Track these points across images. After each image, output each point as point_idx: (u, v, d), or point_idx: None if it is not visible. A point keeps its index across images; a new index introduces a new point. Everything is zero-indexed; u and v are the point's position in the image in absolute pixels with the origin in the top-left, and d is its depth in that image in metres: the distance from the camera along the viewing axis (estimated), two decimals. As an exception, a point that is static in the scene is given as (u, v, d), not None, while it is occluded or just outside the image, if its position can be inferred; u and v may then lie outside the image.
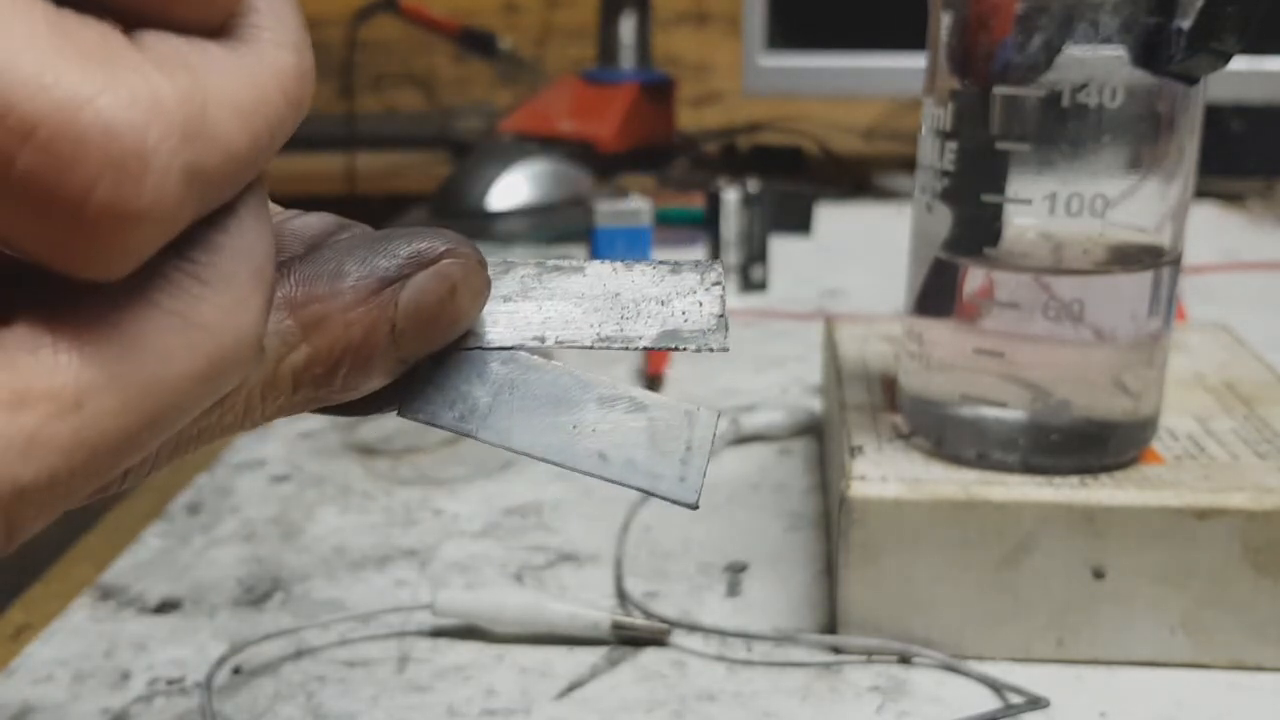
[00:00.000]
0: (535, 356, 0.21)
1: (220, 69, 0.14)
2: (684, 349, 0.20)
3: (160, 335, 0.14)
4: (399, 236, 0.19)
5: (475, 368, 0.20)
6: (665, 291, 0.21)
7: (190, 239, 0.15)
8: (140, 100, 0.13)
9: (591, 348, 0.20)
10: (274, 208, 0.20)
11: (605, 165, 1.15)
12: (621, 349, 0.20)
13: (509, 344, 0.20)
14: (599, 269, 0.21)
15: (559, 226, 0.95)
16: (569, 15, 1.73)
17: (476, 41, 1.34)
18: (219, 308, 0.15)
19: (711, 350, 0.21)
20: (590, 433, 0.20)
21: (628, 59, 1.25)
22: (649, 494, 0.20)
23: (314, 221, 0.20)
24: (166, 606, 0.41)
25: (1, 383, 0.13)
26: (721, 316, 0.21)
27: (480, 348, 0.20)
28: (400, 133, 1.56)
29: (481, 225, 0.97)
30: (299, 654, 0.38)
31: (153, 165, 0.13)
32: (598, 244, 0.73)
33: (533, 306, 0.21)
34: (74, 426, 0.13)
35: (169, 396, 0.14)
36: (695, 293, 0.21)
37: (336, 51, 1.44)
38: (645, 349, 0.21)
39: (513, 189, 1.00)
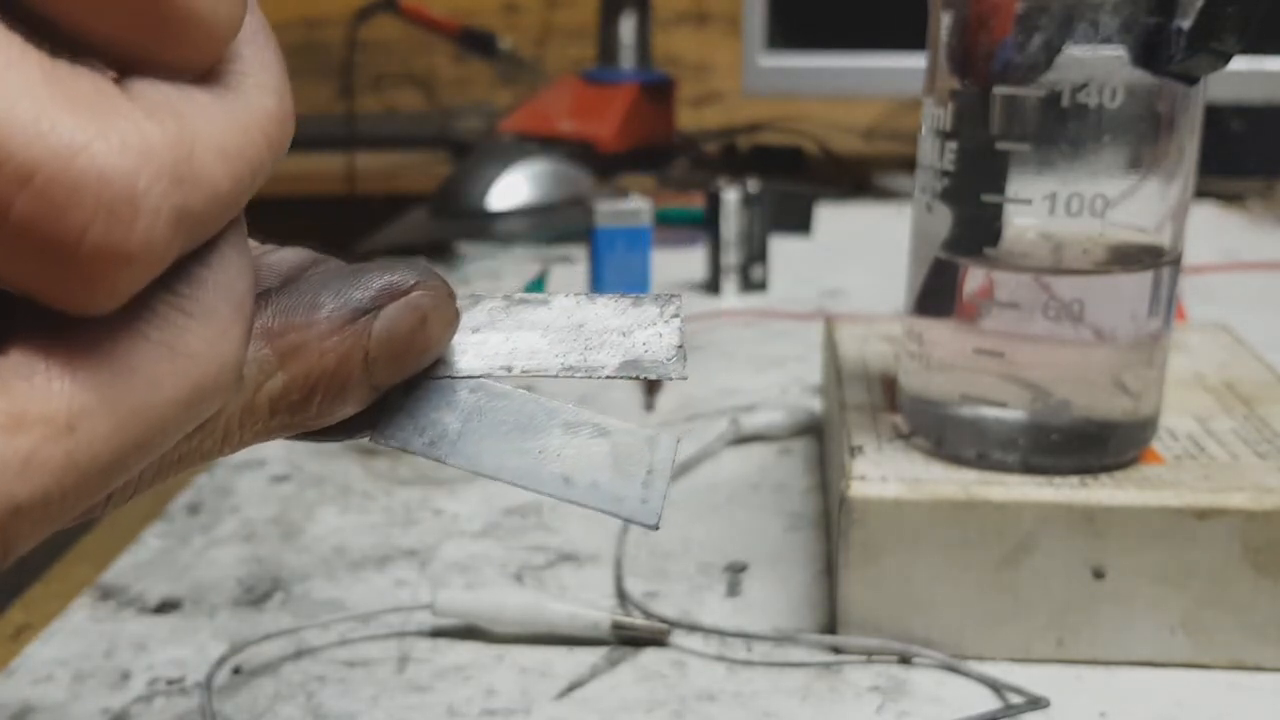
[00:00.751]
0: (503, 384, 0.21)
1: (207, 115, 0.15)
2: (644, 378, 0.21)
3: (148, 363, 0.15)
4: (372, 269, 0.20)
5: (445, 395, 0.21)
6: (627, 323, 0.22)
7: (176, 273, 0.15)
8: (131, 147, 0.13)
9: (556, 377, 0.21)
10: (251, 243, 0.21)
11: (605, 165, 1.15)
12: (585, 378, 0.21)
13: (477, 373, 0.21)
14: (564, 302, 0.22)
15: (559, 226, 0.94)
16: (569, 15, 1.73)
17: (476, 41, 1.34)
18: (203, 338, 0.16)
19: (670, 379, 0.21)
20: (555, 457, 0.21)
21: (628, 59, 1.25)
22: (612, 515, 0.21)
23: (289, 256, 0.21)
24: (166, 606, 0.41)
25: None
26: (680, 347, 0.21)
27: (450, 376, 0.21)
28: (400, 133, 1.56)
29: (481, 225, 0.97)
30: (299, 654, 0.38)
31: (143, 209, 0.13)
32: (598, 244, 0.73)
33: (500, 337, 0.22)
34: (67, 449, 0.14)
35: (156, 421, 0.15)
36: (655, 324, 0.22)
37: (336, 51, 1.44)
38: (608, 378, 0.21)
39: (513, 189, 1.00)
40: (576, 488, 0.21)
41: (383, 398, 0.20)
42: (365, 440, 0.21)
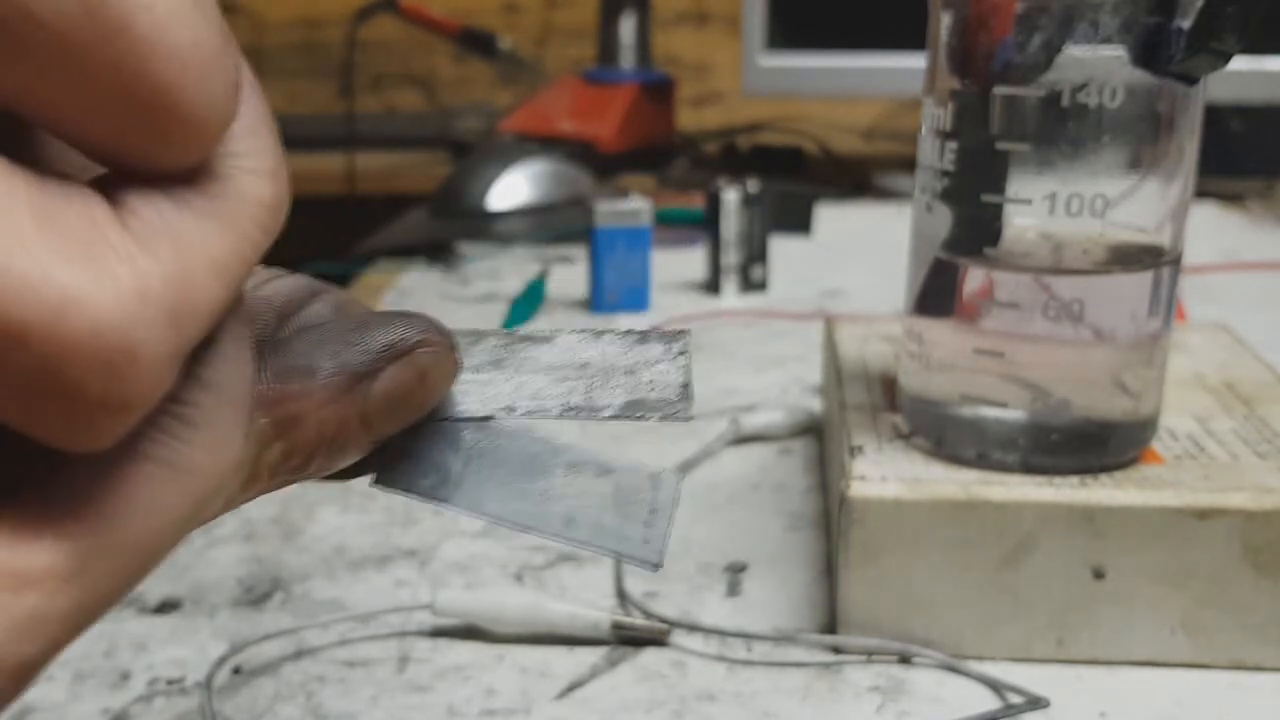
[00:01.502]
0: (506, 423, 0.21)
1: (201, 229, 0.14)
2: (648, 419, 0.21)
3: (152, 488, 0.15)
4: (372, 327, 0.19)
5: (448, 437, 0.21)
6: (632, 361, 0.21)
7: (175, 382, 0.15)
8: (126, 294, 0.13)
9: (559, 418, 0.21)
10: None
11: (605, 165, 1.15)
12: (588, 419, 0.21)
13: (480, 415, 0.21)
14: (567, 340, 0.22)
15: (559, 226, 0.95)
16: (569, 15, 1.73)
17: (476, 41, 1.34)
18: (205, 449, 0.15)
19: (676, 420, 0.21)
20: (559, 498, 0.21)
21: (628, 59, 1.25)
22: (615, 556, 0.20)
23: (285, 287, 0.20)
24: (166, 606, 0.41)
25: (2, 563, 0.13)
26: (686, 386, 0.21)
27: (452, 419, 0.21)
28: (400, 133, 1.56)
29: (481, 225, 0.97)
30: (299, 654, 0.38)
31: (140, 356, 0.13)
32: (598, 244, 0.73)
33: (503, 377, 0.21)
34: (74, 597, 0.14)
35: (162, 544, 0.15)
36: (661, 363, 0.21)
37: (336, 51, 1.44)
38: (611, 418, 0.21)
39: (513, 189, 1.00)
40: (580, 528, 0.20)
41: (385, 442, 0.20)
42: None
